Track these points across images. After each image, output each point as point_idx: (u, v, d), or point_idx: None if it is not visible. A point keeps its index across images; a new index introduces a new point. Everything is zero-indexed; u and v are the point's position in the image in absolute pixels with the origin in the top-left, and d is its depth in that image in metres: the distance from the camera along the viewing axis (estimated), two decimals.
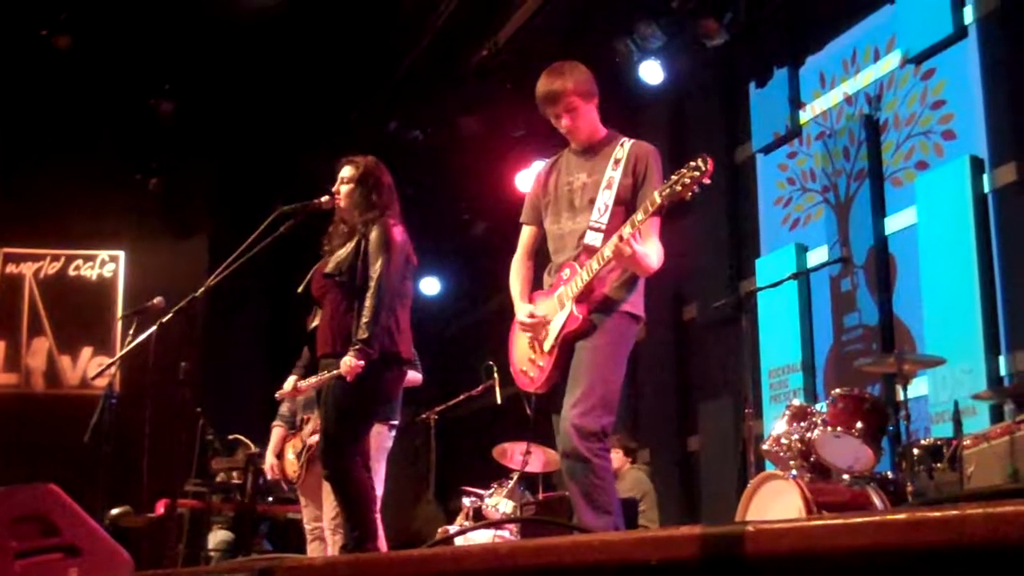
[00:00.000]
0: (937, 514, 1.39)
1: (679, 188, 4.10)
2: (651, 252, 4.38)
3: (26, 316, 11.77)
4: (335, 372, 5.17)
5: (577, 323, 4.42)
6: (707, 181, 4.09)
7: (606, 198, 4.49)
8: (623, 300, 4.47)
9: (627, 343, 4.50)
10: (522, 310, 4.70)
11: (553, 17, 9.46)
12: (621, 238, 4.22)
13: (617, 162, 4.56)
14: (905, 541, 1.41)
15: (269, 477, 6.90)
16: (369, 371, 5.11)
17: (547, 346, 4.54)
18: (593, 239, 4.46)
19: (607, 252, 4.31)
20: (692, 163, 4.09)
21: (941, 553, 1.38)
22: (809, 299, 8.57)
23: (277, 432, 6.74)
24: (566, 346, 4.47)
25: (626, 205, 4.45)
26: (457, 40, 10.11)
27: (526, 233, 4.94)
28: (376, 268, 5.26)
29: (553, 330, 4.52)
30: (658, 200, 4.15)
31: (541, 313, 4.60)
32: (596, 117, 4.72)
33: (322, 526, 6.35)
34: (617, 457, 8.75)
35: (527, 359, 4.67)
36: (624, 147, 4.61)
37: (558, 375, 4.50)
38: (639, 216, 4.23)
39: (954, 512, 1.38)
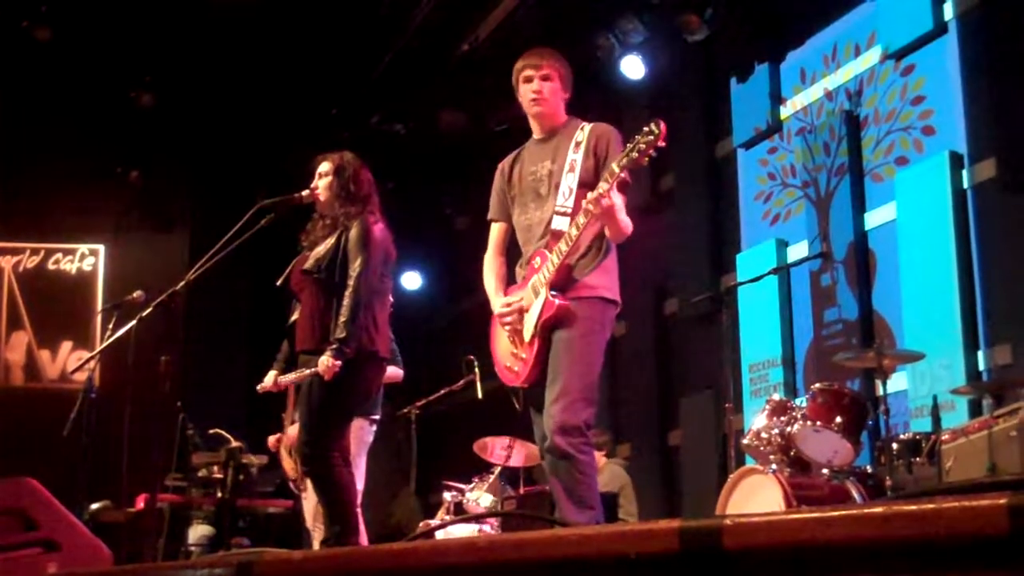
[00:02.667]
0: (913, 507, 1.40)
1: (635, 155, 4.14)
2: (622, 210, 4.39)
3: (5, 310, 11.71)
4: (313, 370, 5.17)
5: (554, 308, 4.39)
6: (662, 144, 4.12)
7: (570, 181, 4.51)
8: (597, 285, 4.46)
9: (604, 330, 4.48)
10: (497, 303, 4.70)
11: (534, 12, 9.46)
12: (593, 199, 4.22)
13: (578, 145, 4.58)
14: (881, 534, 1.42)
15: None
16: (347, 369, 5.12)
17: (527, 336, 4.51)
18: (560, 223, 4.47)
19: (580, 220, 4.31)
20: (645, 128, 4.13)
21: (917, 546, 1.39)
22: (789, 294, 8.60)
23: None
24: (546, 334, 4.44)
25: (590, 187, 4.41)
26: (438, 35, 10.11)
27: (496, 230, 4.94)
28: (355, 266, 5.26)
29: (531, 319, 4.50)
30: (616, 169, 4.18)
31: (516, 302, 4.57)
32: (563, 106, 4.76)
33: None
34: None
35: (509, 353, 4.64)
36: (584, 130, 4.64)
37: (541, 366, 4.46)
38: (603, 186, 4.23)
39: (930, 505, 1.39)
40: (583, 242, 4.43)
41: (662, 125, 4.13)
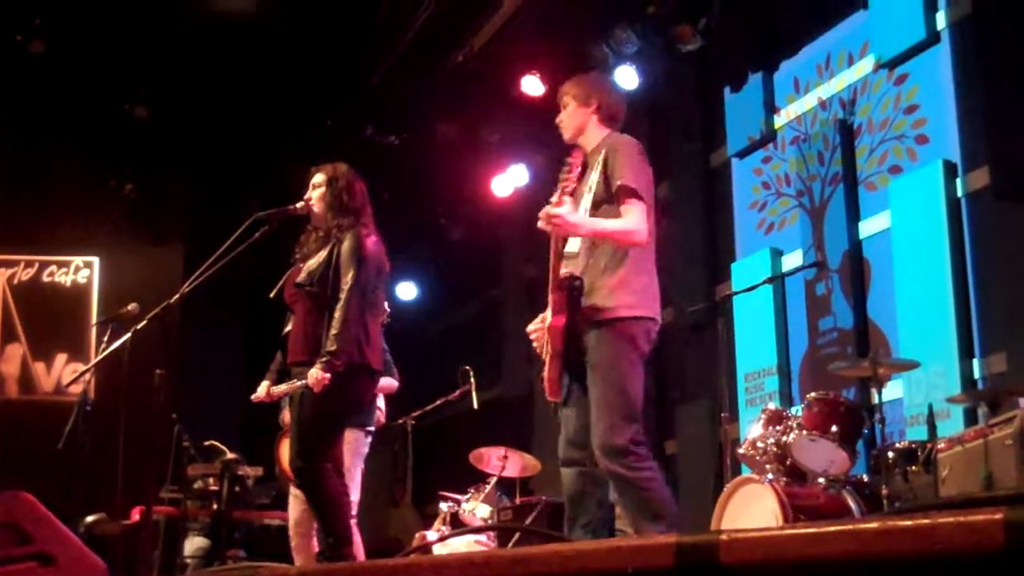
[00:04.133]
0: (909, 523, 1.40)
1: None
2: (613, 226, 4.54)
3: (0, 322, 11.69)
4: (304, 382, 5.18)
5: (552, 325, 4.55)
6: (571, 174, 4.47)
7: (586, 203, 4.66)
8: (616, 306, 4.53)
9: (630, 350, 4.53)
10: (532, 325, 4.88)
11: (529, 22, 9.48)
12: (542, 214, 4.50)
13: (598, 163, 4.71)
14: (877, 549, 1.42)
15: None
16: (337, 381, 5.13)
17: (546, 357, 4.65)
18: (572, 246, 4.63)
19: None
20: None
21: (913, 561, 1.39)
22: (784, 303, 8.60)
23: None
24: (556, 351, 4.57)
25: (604, 201, 4.58)
26: (433, 45, 10.12)
27: None
28: (347, 279, 5.27)
29: (547, 338, 4.64)
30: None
31: (542, 320, 4.75)
32: (589, 123, 4.88)
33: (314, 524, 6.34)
34: None
35: (544, 369, 4.75)
36: (604, 146, 4.74)
37: (557, 380, 4.61)
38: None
39: (925, 521, 1.39)
40: (592, 261, 4.58)
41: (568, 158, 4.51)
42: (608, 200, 4.57)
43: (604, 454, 4.38)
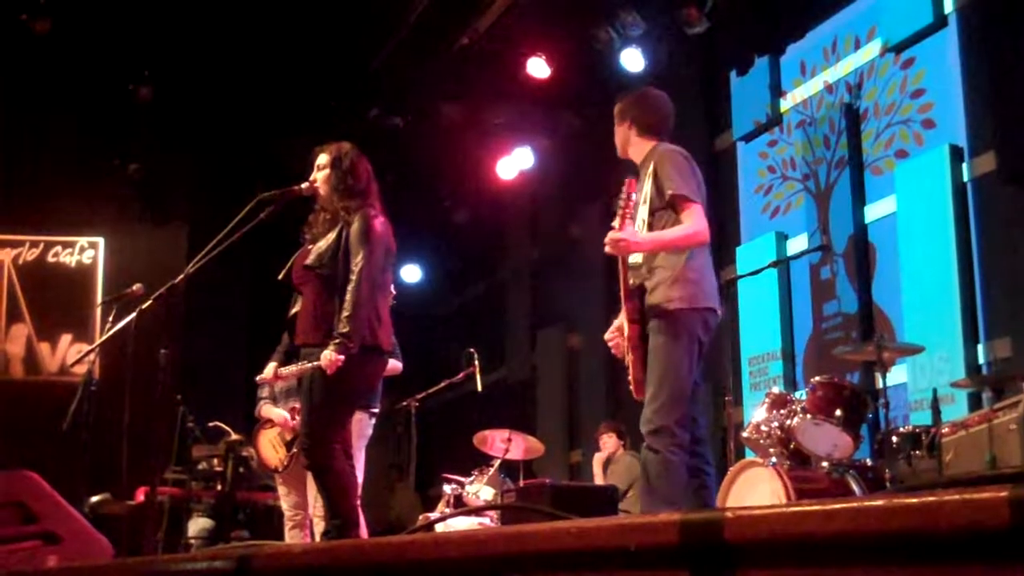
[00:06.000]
0: (914, 500, 1.40)
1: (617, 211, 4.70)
2: (668, 234, 4.81)
3: (4, 302, 11.71)
4: (315, 364, 5.17)
5: (628, 332, 4.87)
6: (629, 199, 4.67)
7: (643, 213, 4.92)
8: (670, 300, 4.78)
9: (683, 339, 4.78)
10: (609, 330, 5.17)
11: (535, 4, 9.45)
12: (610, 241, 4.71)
13: (647, 175, 4.96)
14: (882, 527, 1.41)
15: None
16: (349, 363, 5.12)
17: (628, 361, 4.94)
18: (635, 257, 4.88)
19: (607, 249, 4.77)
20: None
21: (918, 538, 1.39)
22: (789, 287, 8.60)
23: (267, 406, 6.69)
24: (636, 355, 4.89)
25: (659, 209, 4.86)
26: (438, 27, 10.09)
27: None
28: (357, 260, 5.26)
29: (628, 347, 4.94)
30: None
31: (617, 327, 5.06)
32: (633, 139, 5.14)
33: (304, 513, 6.34)
34: (611, 441, 8.79)
35: (629, 372, 5.02)
36: (652, 158, 5.00)
37: (642, 379, 4.89)
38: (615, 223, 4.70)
39: (931, 498, 1.39)
40: (647, 266, 4.85)
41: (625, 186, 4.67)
42: (662, 207, 4.82)
43: (649, 430, 4.71)
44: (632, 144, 5.14)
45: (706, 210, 4.88)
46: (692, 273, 4.83)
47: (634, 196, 4.74)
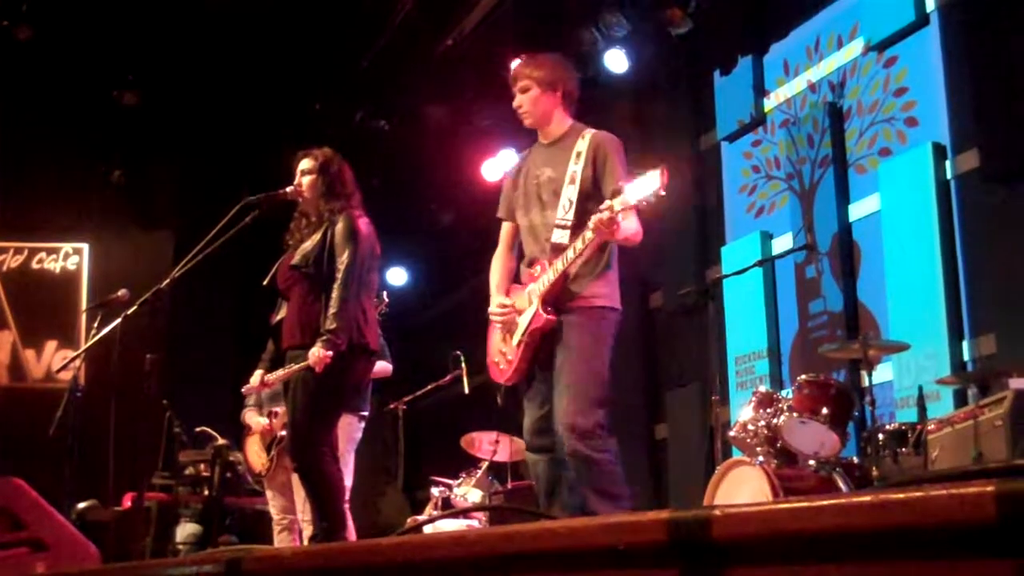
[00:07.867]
0: (901, 496, 1.41)
1: (642, 201, 4.22)
2: (632, 227, 4.51)
3: None
4: (303, 364, 5.16)
5: (541, 322, 4.55)
6: (662, 192, 4.19)
7: (570, 194, 4.60)
8: (595, 296, 4.58)
9: (605, 337, 4.59)
10: (495, 301, 4.81)
11: (519, 6, 9.46)
12: (602, 222, 4.30)
13: (579, 155, 4.66)
14: (870, 523, 1.42)
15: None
16: (337, 362, 5.11)
17: (515, 339, 4.66)
18: (560, 236, 4.57)
19: (588, 235, 4.40)
20: (652, 175, 4.20)
21: (906, 533, 1.40)
22: (774, 286, 8.61)
23: (250, 413, 6.70)
24: (533, 342, 4.61)
25: (591, 198, 4.54)
26: (422, 29, 10.09)
27: (504, 229, 5.04)
28: (343, 259, 5.26)
29: (521, 324, 4.65)
30: (631, 201, 4.25)
31: (511, 304, 4.74)
32: (556, 110, 4.80)
33: (292, 517, 6.34)
34: None
35: (499, 350, 4.78)
36: (585, 139, 4.71)
37: (525, 368, 4.66)
38: (616, 206, 4.29)
39: (918, 493, 1.40)
40: (585, 255, 4.51)
41: (664, 175, 4.17)
42: (593, 198, 4.51)
43: (575, 435, 4.40)
44: (556, 117, 4.80)
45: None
46: (614, 273, 4.67)
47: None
